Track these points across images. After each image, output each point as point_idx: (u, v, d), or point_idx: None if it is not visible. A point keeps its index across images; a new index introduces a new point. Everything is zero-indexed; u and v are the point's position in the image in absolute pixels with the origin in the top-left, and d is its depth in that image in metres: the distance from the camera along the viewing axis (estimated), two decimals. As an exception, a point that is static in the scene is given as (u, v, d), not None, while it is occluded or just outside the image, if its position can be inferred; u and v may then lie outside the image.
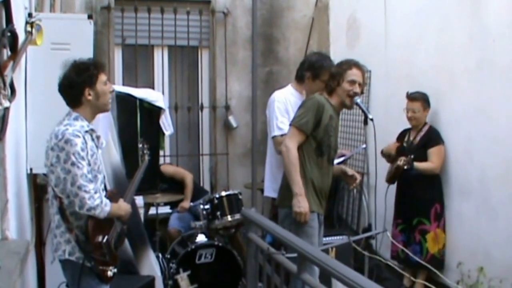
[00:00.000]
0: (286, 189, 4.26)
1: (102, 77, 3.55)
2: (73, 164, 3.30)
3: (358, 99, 4.30)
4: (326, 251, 3.72)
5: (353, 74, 4.31)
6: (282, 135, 4.67)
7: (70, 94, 3.49)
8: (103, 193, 3.52)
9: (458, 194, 5.46)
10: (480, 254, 5.11)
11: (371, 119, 4.18)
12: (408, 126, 5.76)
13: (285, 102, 4.84)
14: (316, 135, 4.24)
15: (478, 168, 5.20)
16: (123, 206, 3.64)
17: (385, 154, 5.77)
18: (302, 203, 4.08)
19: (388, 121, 6.16)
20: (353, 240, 3.73)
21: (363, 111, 4.24)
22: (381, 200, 5.51)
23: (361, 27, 7.23)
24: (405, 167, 5.33)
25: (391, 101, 6.09)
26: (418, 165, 5.42)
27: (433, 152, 5.50)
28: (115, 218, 3.58)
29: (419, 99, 5.60)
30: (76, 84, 3.46)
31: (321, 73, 4.70)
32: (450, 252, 5.55)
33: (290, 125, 4.30)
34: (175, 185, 6.43)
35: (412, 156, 5.36)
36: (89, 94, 3.48)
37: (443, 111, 5.64)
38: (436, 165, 5.50)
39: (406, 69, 6.22)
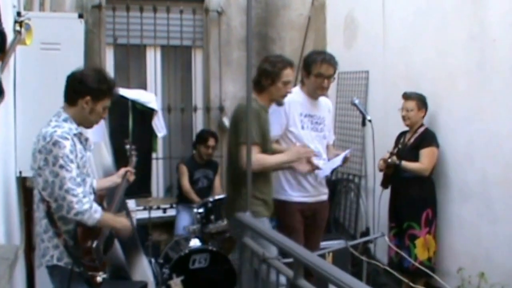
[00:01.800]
0: (232, 202, 4.39)
1: (107, 102, 3.56)
2: (61, 167, 3.29)
3: (356, 100, 4.32)
4: (323, 256, 3.71)
5: (288, 75, 4.36)
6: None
7: (73, 88, 3.47)
8: (93, 197, 3.51)
9: (458, 198, 5.47)
10: (481, 259, 5.12)
11: (369, 121, 4.19)
12: (406, 128, 5.77)
13: (287, 103, 4.68)
14: (261, 141, 4.33)
15: (479, 171, 5.22)
16: (120, 219, 3.64)
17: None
18: (295, 154, 4.41)
19: (386, 122, 6.16)
20: (350, 245, 3.72)
21: (361, 112, 4.26)
22: (377, 204, 5.52)
23: (358, 27, 7.24)
24: (389, 160, 5.37)
25: (389, 103, 6.10)
26: (406, 164, 5.45)
27: (424, 153, 5.51)
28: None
29: (413, 98, 5.61)
30: (85, 85, 3.45)
31: (311, 67, 4.71)
32: (450, 257, 5.56)
33: (241, 143, 4.22)
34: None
35: (395, 150, 5.37)
36: (87, 104, 3.47)
37: (442, 113, 5.66)
38: (426, 166, 5.49)
39: (404, 70, 6.23)
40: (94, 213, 3.36)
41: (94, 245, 3.44)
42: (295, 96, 4.74)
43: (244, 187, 3.92)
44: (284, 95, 4.40)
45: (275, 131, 4.63)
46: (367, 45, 6.96)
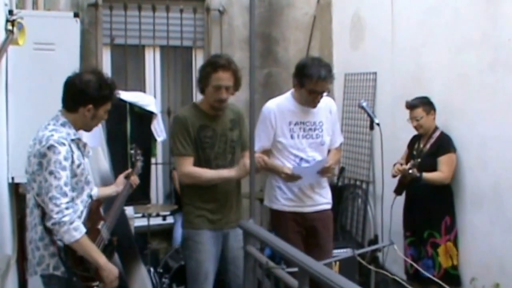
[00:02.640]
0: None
1: (108, 105, 3.58)
2: (51, 173, 3.27)
3: (364, 103, 4.29)
4: (329, 265, 3.68)
5: (220, 79, 4.22)
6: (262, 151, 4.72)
7: (74, 97, 3.47)
8: (82, 212, 3.47)
9: (471, 205, 5.43)
10: (495, 269, 5.08)
11: (377, 124, 4.16)
12: (412, 131, 5.74)
13: (273, 114, 4.72)
14: (194, 151, 4.34)
15: (492, 176, 5.18)
16: (106, 261, 3.45)
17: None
18: (243, 170, 4.30)
19: (395, 126, 6.13)
20: (358, 254, 3.69)
21: (368, 115, 4.23)
22: (388, 211, 5.49)
23: (366, 26, 7.22)
24: (410, 171, 5.32)
25: (398, 105, 6.06)
26: (427, 175, 5.38)
27: (442, 161, 5.45)
28: (89, 257, 3.40)
29: (418, 105, 5.57)
30: (87, 95, 3.45)
31: (304, 82, 4.60)
32: (463, 267, 5.51)
33: (175, 156, 4.47)
34: None
35: (418, 160, 5.33)
36: (88, 111, 3.48)
37: (454, 115, 5.62)
38: (446, 175, 5.45)
39: (414, 71, 6.20)
40: (73, 230, 3.28)
41: None
42: (284, 103, 4.77)
43: (186, 199, 4.42)
44: (216, 101, 4.28)
45: (263, 142, 4.66)
46: (375, 45, 6.94)
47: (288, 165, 4.69)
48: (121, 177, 4.16)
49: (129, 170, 4.27)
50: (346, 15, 7.66)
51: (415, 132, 5.73)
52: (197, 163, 4.32)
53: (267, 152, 4.72)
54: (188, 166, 4.28)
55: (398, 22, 6.53)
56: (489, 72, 5.18)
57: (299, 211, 4.74)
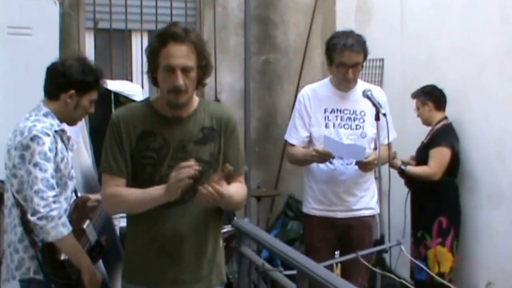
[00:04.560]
0: None
1: (93, 95, 3.59)
2: (35, 165, 3.28)
3: (369, 92, 4.27)
4: (330, 267, 3.69)
5: (169, 54, 2.99)
6: (291, 144, 4.63)
7: (56, 82, 3.49)
8: (65, 211, 3.46)
9: (488, 203, 5.44)
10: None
11: (384, 114, 4.13)
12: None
13: (307, 99, 4.60)
14: (129, 168, 3.17)
15: (511, 172, 5.19)
16: (89, 263, 3.47)
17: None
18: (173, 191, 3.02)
19: (403, 116, 6.13)
20: (361, 255, 3.69)
21: (374, 105, 4.19)
22: (395, 208, 5.48)
23: (372, 8, 7.23)
24: (396, 159, 5.39)
25: (407, 95, 6.07)
26: (410, 169, 5.49)
27: (431, 154, 5.49)
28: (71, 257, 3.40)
29: (416, 95, 5.70)
30: (69, 78, 3.47)
31: (331, 55, 4.43)
32: (477, 270, 5.54)
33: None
34: None
35: (395, 151, 5.24)
36: (70, 98, 3.49)
37: (469, 105, 5.63)
38: (434, 170, 5.46)
39: (425, 58, 6.22)
40: (61, 225, 3.28)
41: (67, 257, 3.41)
42: (321, 88, 4.63)
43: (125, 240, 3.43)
44: (170, 92, 3.02)
45: (300, 133, 4.54)
46: (382, 29, 6.94)
47: (321, 164, 4.47)
48: None
49: None
50: (351, -3, 7.67)
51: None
52: (136, 184, 3.14)
53: (307, 146, 4.55)
54: (112, 187, 3.13)
55: (408, 4, 6.54)
56: (507, 59, 5.18)
57: (330, 216, 4.52)
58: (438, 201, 5.54)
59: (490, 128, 5.40)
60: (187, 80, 3.02)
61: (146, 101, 3.29)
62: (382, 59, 6.86)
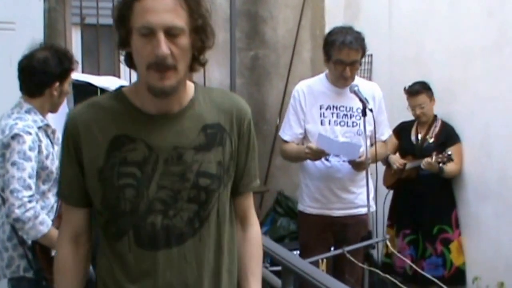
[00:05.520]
0: None
1: (71, 77, 3.60)
2: (13, 164, 3.25)
3: (356, 87, 4.26)
4: (316, 263, 3.69)
5: (147, 9, 1.99)
6: (284, 141, 4.58)
7: (37, 81, 3.47)
8: (52, 208, 3.46)
9: (475, 198, 5.47)
10: (501, 267, 5.13)
11: (370, 110, 4.13)
12: (408, 118, 5.79)
13: (303, 95, 4.54)
14: (94, 194, 2.16)
15: (498, 167, 5.22)
16: None
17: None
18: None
19: (391, 112, 6.09)
20: (348, 251, 3.68)
21: (361, 100, 4.19)
22: (382, 204, 5.51)
23: (361, 4, 7.24)
24: (441, 165, 5.29)
25: (396, 90, 6.07)
26: (448, 168, 5.38)
27: (454, 152, 5.42)
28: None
29: (421, 91, 5.59)
30: (51, 74, 3.46)
31: (329, 51, 4.36)
32: (465, 265, 5.56)
33: None
34: None
35: (450, 153, 5.25)
36: (56, 90, 3.50)
37: (456, 100, 5.65)
38: (459, 166, 5.51)
39: (413, 52, 6.24)
40: (39, 224, 3.24)
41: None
42: (317, 84, 4.58)
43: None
44: (152, 67, 2.01)
45: (294, 129, 4.50)
46: (371, 24, 6.92)
47: (316, 162, 4.42)
48: None
49: None
50: (339, -8, 7.67)
51: (407, 119, 5.80)
52: (108, 221, 2.16)
53: (301, 143, 4.50)
54: (68, 228, 2.25)
55: (396, 0, 6.56)
56: (494, 53, 5.20)
57: (326, 214, 4.48)
58: (450, 195, 5.60)
59: (476, 124, 5.43)
60: (175, 48, 2.01)
61: (118, 92, 2.22)
62: (371, 55, 6.86)
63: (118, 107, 2.16)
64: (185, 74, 2.11)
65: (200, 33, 2.09)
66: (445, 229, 5.53)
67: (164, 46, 1.97)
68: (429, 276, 4.79)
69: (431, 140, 5.62)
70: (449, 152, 5.25)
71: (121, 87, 2.25)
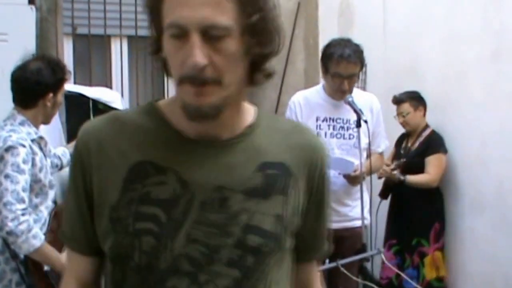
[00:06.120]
0: None
1: (64, 86, 3.60)
2: (6, 176, 3.24)
3: (350, 98, 4.25)
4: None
5: (177, 3, 1.54)
6: None
7: (31, 92, 3.47)
8: (45, 220, 3.44)
9: (471, 210, 5.45)
10: (498, 280, 5.11)
11: (365, 121, 4.12)
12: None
13: (299, 106, 4.52)
14: (104, 239, 1.61)
15: (494, 179, 5.20)
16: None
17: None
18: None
19: (386, 122, 6.10)
20: (342, 264, 3.65)
21: (355, 111, 4.17)
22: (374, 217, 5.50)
23: (355, 13, 7.23)
24: (394, 172, 5.34)
25: (390, 101, 6.10)
26: (411, 178, 5.41)
27: (431, 161, 5.47)
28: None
29: (405, 99, 5.62)
30: (45, 84, 3.46)
31: (327, 63, 4.34)
32: (462, 278, 5.55)
33: None
34: None
35: (403, 160, 5.37)
36: (49, 101, 3.49)
37: (452, 110, 5.65)
38: (433, 177, 5.47)
39: (408, 62, 6.23)
40: (32, 238, 3.22)
41: (50, 268, 3.39)
42: (313, 95, 4.56)
43: None
44: (185, 78, 1.69)
45: None
46: (365, 34, 6.91)
47: None
48: None
49: None
50: (333, 1, 7.66)
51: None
52: (115, 266, 1.60)
53: None
54: (73, 273, 1.71)
55: (391, 9, 6.55)
56: (491, 63, 5.19)
57: None
58: (433, 208, 5.57)
59: (472, 134, 5.41)
60: (217, 56, 1.46)
61: (150, 105, 1.68)
62: (365, 64, 6.84)
63: (148, 125, 1.61)
64: (237, 90, 1.56)
65: (258, 34, 1.51)
66: (422, 242, 5.53)
67: (199, 54, 1.43)
68: (414, 284, 4.86)
69: (413, 149, 5.64)
70: (403, 160, 5.34)
71: (152, 101, 1.69)
